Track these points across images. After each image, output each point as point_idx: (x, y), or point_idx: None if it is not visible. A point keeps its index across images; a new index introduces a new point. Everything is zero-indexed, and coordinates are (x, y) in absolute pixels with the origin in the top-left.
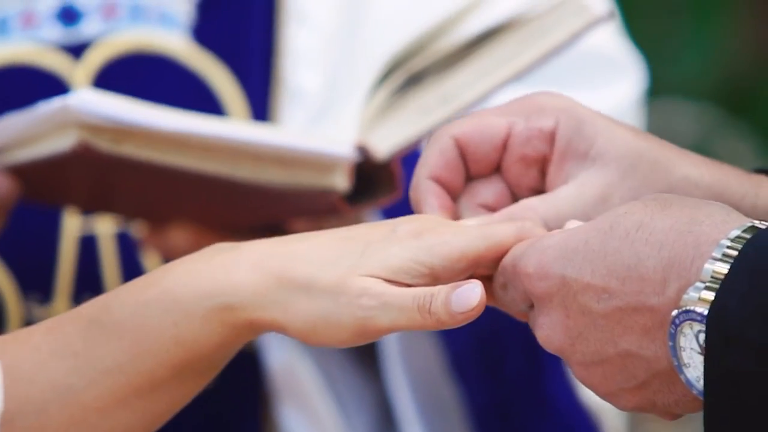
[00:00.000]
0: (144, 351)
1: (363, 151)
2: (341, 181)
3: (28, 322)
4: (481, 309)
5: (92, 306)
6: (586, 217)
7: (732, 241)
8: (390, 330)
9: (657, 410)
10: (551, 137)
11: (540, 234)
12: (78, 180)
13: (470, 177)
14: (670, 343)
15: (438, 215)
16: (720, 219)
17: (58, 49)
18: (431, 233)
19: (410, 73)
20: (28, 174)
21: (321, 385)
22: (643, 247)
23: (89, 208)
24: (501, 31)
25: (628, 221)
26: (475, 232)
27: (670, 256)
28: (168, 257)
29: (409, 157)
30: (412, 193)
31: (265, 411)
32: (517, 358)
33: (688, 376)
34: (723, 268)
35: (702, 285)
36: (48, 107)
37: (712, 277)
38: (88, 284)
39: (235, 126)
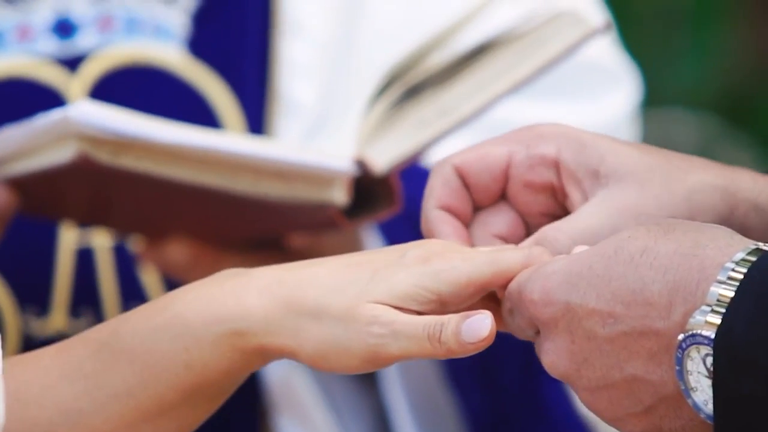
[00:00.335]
0: (154, 375)
1: (362, 165)
2: (340, 196)
3: (26, 335)
4: (491, 339)
5: (102, 330)
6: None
7: (737, 264)
8: (400, 358)
9: None
10: (554, 163)
11: (547, 260)
12: (76, 193)
13: (475, 206)
14: (677, 368)
15: (451, 242)
16: (724, 242)
17: (53, 62)
18: (439, 258)
19: (408, 86)
20: (26, 186)
21: (318, 396)
22: (647, 272)
23: (87, 221)
24: (498, 44)
25: (632, 246)
26: (482, 257)
27: (675, 280)
28: (165, 271)
29: (408, 171)
30: (423, 226)
31: (263, 422)
32: (513, 367)
33: (696, 400)
34: (729, 292)
35: (708, 308)
36: (47, 119)
37: (718, 300)
38: (85, 297)
39: (234, 139)
